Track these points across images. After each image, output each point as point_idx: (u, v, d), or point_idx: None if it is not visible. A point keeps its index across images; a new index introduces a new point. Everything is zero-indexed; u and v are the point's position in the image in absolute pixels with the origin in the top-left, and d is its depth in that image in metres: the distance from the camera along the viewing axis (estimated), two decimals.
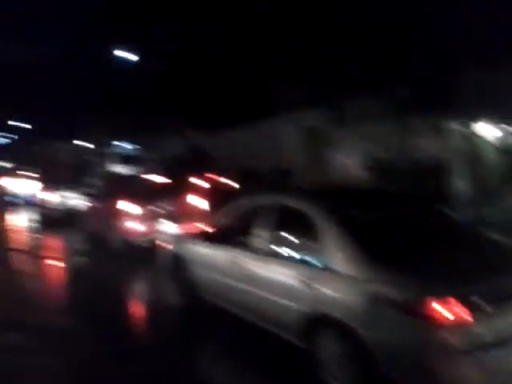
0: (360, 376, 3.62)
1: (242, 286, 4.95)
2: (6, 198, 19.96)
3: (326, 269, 4.00)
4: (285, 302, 4.33)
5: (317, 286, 4.00)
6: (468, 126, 16.21)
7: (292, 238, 4.70)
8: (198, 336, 5.59)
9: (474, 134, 15.72)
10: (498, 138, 16.23)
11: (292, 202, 4.80)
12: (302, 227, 4.43)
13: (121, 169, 18.84)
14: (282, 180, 12.42)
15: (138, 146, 24.03)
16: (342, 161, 18.94)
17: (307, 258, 4.29)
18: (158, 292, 7.36)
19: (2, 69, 27.02)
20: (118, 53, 26.92)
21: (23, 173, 23.63)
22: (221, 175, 18.88)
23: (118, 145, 22.86)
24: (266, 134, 23.47)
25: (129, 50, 27.20)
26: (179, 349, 5.19)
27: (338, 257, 3.96)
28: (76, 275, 8.83)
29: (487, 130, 16.55)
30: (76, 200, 13.78)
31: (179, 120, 30.18)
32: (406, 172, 14.91)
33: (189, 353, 5.12)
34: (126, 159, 20.60)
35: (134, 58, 27.25)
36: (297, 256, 4.44)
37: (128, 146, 23.53)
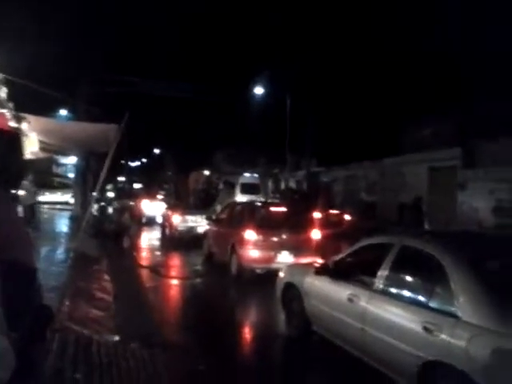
0: None
1: (357, 323, 4.81)
2: (143, 219, 21.60)
3: (451, 315, 3.80)
4: (402, 345, 4.14)
5: (439, 332, 3.79)
6: None
7: (416, 281, 4.52)
8: (302, 367, 5.52)
9: None
10: None
11: (420, 244, 4.64)
12: (429, 271, 4.28)
13: (243, 197, 19.51)
14: (410, 217, 11.94)
15: (256, 175, 24.86)
16: (473, 203, 17.74)
17: (431, 303, 4.08)
18: (269, 320, 7.37)
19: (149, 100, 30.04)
20: (258, 91, 28.49)
21: (159, 196, 25.58)
22: (338, 209, 18.79)
23: (244, 175, 23.88)
24: (391, 171, 22.89)
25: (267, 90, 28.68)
26: (281, 377, 5.19)
27: (465, 304, 3.75)
28: (192, 295, 9.20)
29: None
30: (201, 223, 14.48)
31: (304, 155, 30.79)
32: None
33: (290, 381, 5.09)
34: (248, 188, 21.32)
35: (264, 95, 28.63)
36: (420, 300, 4.23)
37: (251, 175, 24.41)
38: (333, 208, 18.98)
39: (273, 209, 11.35)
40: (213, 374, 5.11)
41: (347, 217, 17.57)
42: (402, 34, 25.28)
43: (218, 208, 15.93)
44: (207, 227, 12.90)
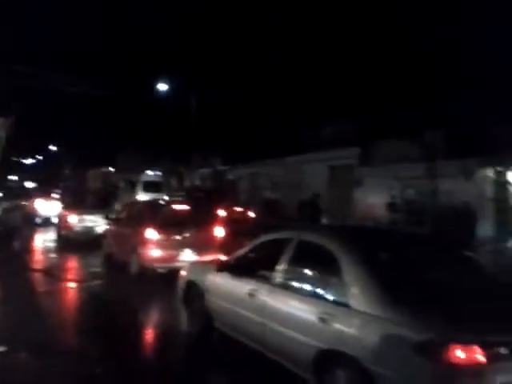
0: None
1: (257, 318, 4.85)
2: (37, 220, 20.31)
3: (344, 305, 3.95)
4: (299, 336, 4.25)
5: (333, 322, 3.93)
6: (501, 174, 16.01)
7: (312, 274, 4.64)
8: (204, 364, 5.49)
9: (506, 181, 15.51)
10: None
11: (314, 238, 4.81)
12: (323, 263, 4.42)
13: (145, 195, 19.04)
14: (307, 213, 12.33)
15: (160, 173, 24.40)
16: (369, 200, 18.80)
17: (325, 294, 4.24)
18: (170, 319, 7.23)
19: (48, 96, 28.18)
20: (161, 87, 27.85)
21: (54, 195, 24.14)
22: (243, 206, 19.01)
23: (146, 173, 23.26)
24: (293, 169, 23.59)
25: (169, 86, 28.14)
26: (184, 375, 5.11)
27: (356, 294, 3.92)
28: (90, 298, 8.77)
29: None
30: (98, 223, 13.89)
31: (209, 153, 30.76)
32: (433, 214, 14.74)
33: (193, 380, 5.04)
34: (149, 186, 20.84)
35: (165, 90, 28.13)
36: (315, 291, 4.37)
37: (153, 173, 23.89)
38: (237, 206, 19.15)
39: (175, 207, 11.16)
40: (111, 377, 4.93)
41: (251, 214, 17.81)
42: (301, 32, 26.05)
43: (118, 207, 15.39)
44: (106, 227, 12.39)
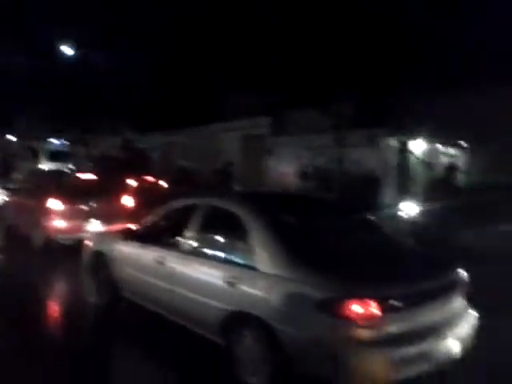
0: (277, 373, 3.69)
1: (166, 285, 4.82)
2: None
3: (251, 268, 4.03)
4: (208, 300, 4.29)
5: (240, 284, 4.01)
6: (402, 143, 17.02)
7: (219, 239, 4.67)
8: (114, 335, 5.40)
9: (407, 150, 16.49)
10: (426, 154, 17.30)
11: (221, 203, 4.82)
12: (231, 228, 4.45)
13: (49, 165, 18.00)
14: (220, 181, 12.32)
15: (66, 142, 23.12)
16: (281, 168, 19.19)
17: (233, 258, 4.29)
18: (77, 291, 6.95)
19: None
20: (63, 48, 26.12)
21: None
22: (155, 176, 18.59)
23: (49, 140, 21.88)
24: (207, 138, 23.40)
25: (70, 46, 26.49)
26: (93, 348, 4.97)
27: (262, 256, 4.00)
28: None
29: (418, 147, 17.46)
30: None
31: (118, 120, 29.55)
32: (341, 181, 15.38)
33: (104, 352, 4.94)
34: (55, 155, 19.70)
35: (72, 53, 26.54)
36: (223, 256, 4.41)
37: (59, 142, 22.57)
38: (149, 175, 18.67)
39: (81, 177, 10.66)
40: (12, 355, 4.67)
41: (163, 183, 17.47)
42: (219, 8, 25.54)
43: (18, 177, 14.42)
44: (5, 198, 11.59)
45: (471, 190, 10.29)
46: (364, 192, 13.16)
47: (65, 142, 23.03)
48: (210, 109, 25.70)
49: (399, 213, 11.32)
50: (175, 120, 26.20)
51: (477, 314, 4.16)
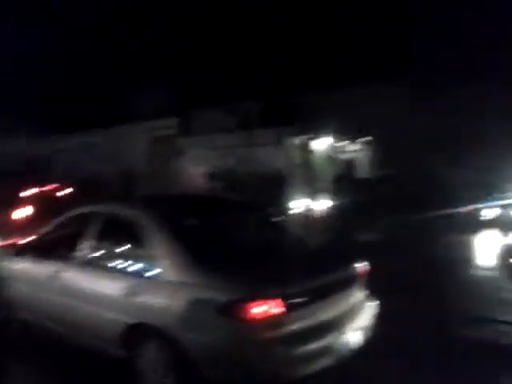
0: (182, 381, 3.58)
1: (62, 299, 4.54)
2: None
3: (152, 277, 3.90)
4: (107, 313, 4.08)
5: (141, 294, 3.85)
6: (307, 140, 17.55)
7: (119, 247, 4.47)
8: (7, 358, 5.05)
9: (310, 148, 17.03)
10: (330, 151, 18.01)
11: (119, 210, 4.64)
12: (130, 235, 4.26)
13: None
14: (125, 187, 11.90)
15: None
16: (190, 169, 19.02)
17: (133, 268, 4.12)
18: None
19: None
20: None
21: None
22: (58, 182, 17.56)
23: None
24: (115, 140, 22.57)
25: None
26: None
27: (163, 263, 3.87)
28: None
29: (322, 144, 18.11)
30: None
31: (14, 122, 27.61)
32: (249, 181, 15.54)
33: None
34: None
35: None
36: (123, 266, 4.23)
37: None
38: (53, 181, 17.63)
39: None
40: None
41: (67, 190, 16.59)
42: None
43: None
44: None
45: (370, 183, 10.91)
46: (271, 191, 13.37)
47: None
48: (116, 110, 24.84)
49: (296, 210, 11.71)
50: (81, 121, 25.02)
51: (376, 303, 4.32)
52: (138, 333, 3.85)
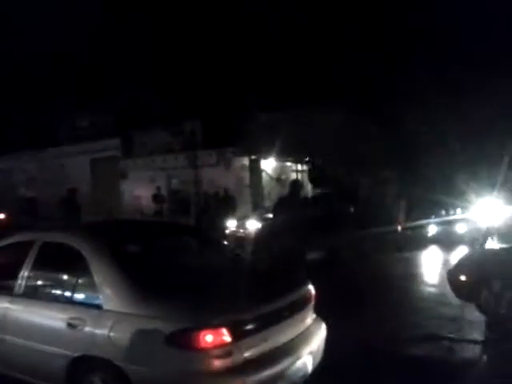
0: None
1: None
2: None
3: (95, 307, 3.70)
4: (48, 347, 3.84)
5: (83, 326, 3.65)
6: (254, 161, 17.67)
7: (60, 278, 4.24)
8: None
9: (260, 169, 17.17)
10: (276, 171, 18.23)
11: (58, 237, 4.42)
12: (70, 264, 4.08)
13: None
14: (65, 210, 11.41)
15: None
16: (135, 191, 18.63)
17: (75, 298, 3.92)
18: None
19: None
20: None
21: None
22: None
23: None
24: (52, 163, 21.79)
25: None
26: None
27: (105, 293, 3.70)
28: None
29: (269, 165, 18.30)
30: None
31: None
32: (197, 202, 15.42)
33: None
34: None
35: None
36: (63, 296, 4.02)
37: None
38: None
39: None
40: None
41: (2, 216, 15.87)
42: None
43: None
44: None
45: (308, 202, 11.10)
46: (220, 211, 13.29)
47: None
48: (51, 132, 24.01)
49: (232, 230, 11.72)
50: (16, 144, 23.98)
51: (324, 325, 4.29)
52: (84, 366, 3.66)
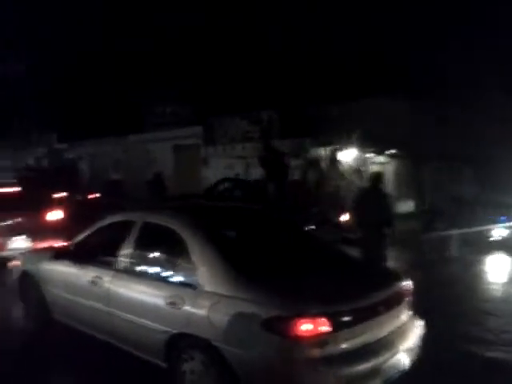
0: None
1: (101, 306, 4.57)
2: None
3: (193, 287, 3.87)
4: (148, 322, 4.08)
5: (182, 304, 3.83)
6: (331, 151, 17.52)
7: (160, 257, 4.49)
8: (46, 361, 5.04)
9: (335, 158, 16.99)
10: (356, 162, 17.97)
11: (159, 219, 4.62)
12: (170, 245, 4.29)
13: None
14: (153, 193, 11.96)
15: None
16: (214, 177, 19.07)
17: (174, 277, 4.12)
18: (5, 314, 6.51)
19: None
20: None
21: None
22: (85, 188, 17.89)
23: None
24: (137, 149, 22.83)
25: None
26: (26, 376, 4.64)
27: (204, 274, 3.85)
28: None
29: (348, 156, 18.06)
30: None
31: (45, 129, 28.18)
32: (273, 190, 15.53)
33: (36, 378, 4.62)
34: None
35: None
36: (163, 274, 4.23)
37: None
38: (78, 186, 17.96)
39: (2, 190, 9.93)
40: None
41: (94, 196, 16.85)
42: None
43: None
44: None
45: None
46: (296, 200, 13.34)
47: None
48: (139, 118, 25.20)
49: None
50: (104, 129, 25.41)
51: (422, 323, 4.20)
52: (181, 343, 3.84)
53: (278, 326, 3.31)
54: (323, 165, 17.10)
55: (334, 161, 17.77)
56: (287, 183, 14.23)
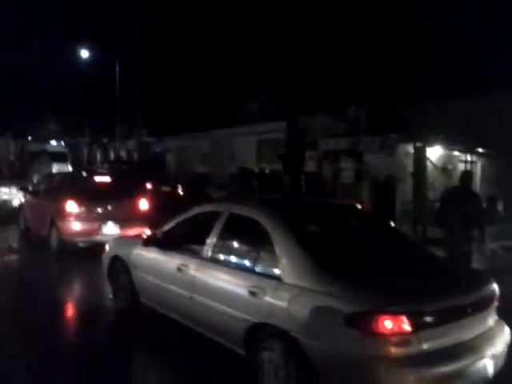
0: None
1: (186, 292, 4.69)
2: None
3: (275, 278, 3.88)
4: (230, 310, 4.15)
5: (264, 295, 3.85)
6: (418, 149, 16.80)
7: (244, 247, 4.55)
8: (133, 342, 5.33)
9: (425, 157, 16.27)
10: (440, 160, 17.15)
11: (244, 211, 4.67)
12: (254, 236, 4.34)
13: (57, 166, 18.26)
14: (237, 186, 12.19)
15: (63, 143, 23.72)
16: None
17: (257, 267, 4.15)
18: (94, 295, 6.93)
19: None
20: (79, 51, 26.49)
21: None
22: (171, 180, 18.57)
23: (50, 143, 22.40)
24: (222, 142, 23.37)
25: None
26: (112, 354, 4.94)
27: (287, 267, 3.86)
28: (5, 275, 8.17)
29: (434, 153, 17.25)
30: (15, 195, 13.03)
31: (135, 124, 29.68)
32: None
33: (122, 358, 4.88)
34: (55, 156, 20.02)
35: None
36: (246, 265, 4.29)
37: (57, 144, 23.04)
38: (166, 178, 18.67)
39: (97, 179, 10.56)
40: (30, 358, 4.71)
41: (179, 187, 17.45)
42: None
43: (34, 178, 14.51)
44: (22, 199, 11.62)
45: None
46: (380, 198, 12.98)
47: (62, 144, 23.43)
48: (223, 113, 25.75)
49: None
50: (190, 124, 26.27)
51: (508, 329, 3.97)
52: (262, 333, 3.87)
53: (359, 322, 3.27)
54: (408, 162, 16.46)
55: (421, 158, 17.06)
56: (303, 175, 13.94)
